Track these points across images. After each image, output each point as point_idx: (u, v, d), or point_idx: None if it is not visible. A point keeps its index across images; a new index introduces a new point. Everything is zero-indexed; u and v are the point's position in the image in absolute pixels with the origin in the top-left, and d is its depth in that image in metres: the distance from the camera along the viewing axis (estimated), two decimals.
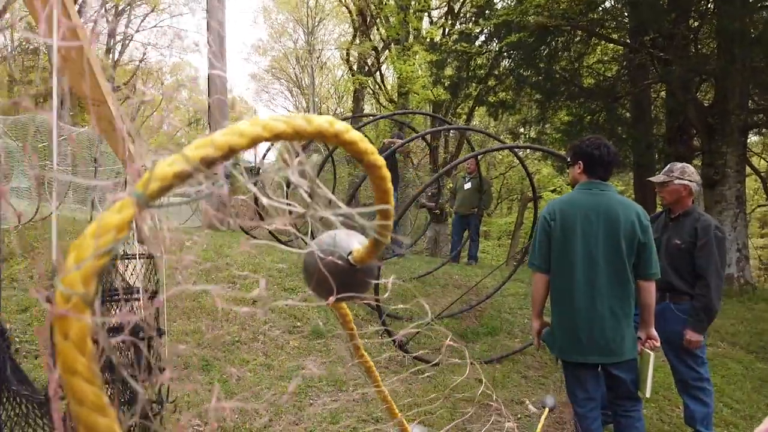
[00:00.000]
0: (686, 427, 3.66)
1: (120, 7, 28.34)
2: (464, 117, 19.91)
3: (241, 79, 74.64)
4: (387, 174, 0.46)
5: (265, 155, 9.23)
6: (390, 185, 0.47)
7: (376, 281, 0.60)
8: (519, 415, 3.92)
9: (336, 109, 34.64)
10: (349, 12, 23.04)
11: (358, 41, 22.56)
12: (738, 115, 8.45)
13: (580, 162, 3.06)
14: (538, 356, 5.02)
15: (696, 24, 9.32)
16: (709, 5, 9.15)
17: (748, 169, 12.26)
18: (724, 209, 8.57)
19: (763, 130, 11.18)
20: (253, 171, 9.14)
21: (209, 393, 3.65)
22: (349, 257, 0.55)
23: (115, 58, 30.19)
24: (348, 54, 24.26)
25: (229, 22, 62.87)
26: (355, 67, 23.92)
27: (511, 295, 6.63)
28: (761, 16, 8.29)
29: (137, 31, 30.18)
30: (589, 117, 10.95)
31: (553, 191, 18.07)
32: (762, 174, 13.26)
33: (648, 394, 2.95)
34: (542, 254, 3.02)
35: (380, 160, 0.45)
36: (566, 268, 2.91)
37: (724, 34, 8.06)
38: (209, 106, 9.78)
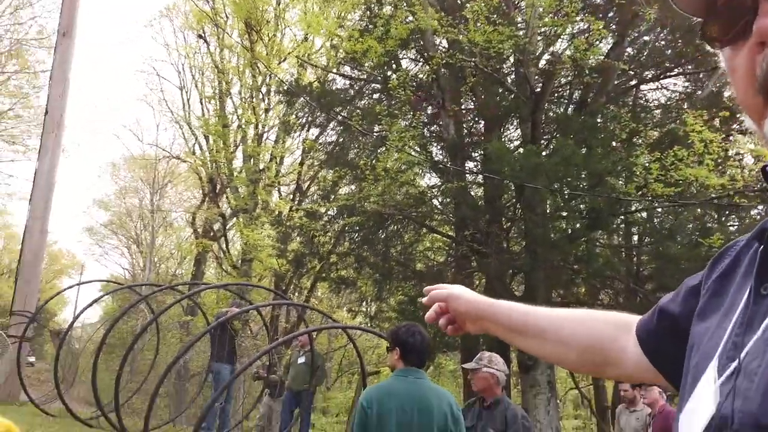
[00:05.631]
0: None
1: None
2: (306, 290, 20.10)
3: (74, 232, 69.56)
4: None
5: (83, 311, 8.37)
6: None
7: None
8: None
9: (176, 270, 33.17)
10: (200, 178, 23.34)
11: (206, 206, 22.62)
12: (543, 306, 9.55)
13: (397, 348, 3.17)
14: None
15: (507, 225, 10.80)
16: (517, 211, 10.75)
17: None
18: (537, 393, 9.22)
19: None
20: (61, 338, 8.16)
21: None
22: None
23: None
24: (194, 218, 24.06)
25: (71, 172, 59.99)
26: (200, 231, 23.63)
27: None
28: (558, 225, 9.87)
29: None
30: (421, 298, 11.65)
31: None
32: None
33: None
34: None
35: None
36: None
37: (529, 235, 9.40)
38: (19, 262, 8.85)
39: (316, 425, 19.25)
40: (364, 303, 15.52)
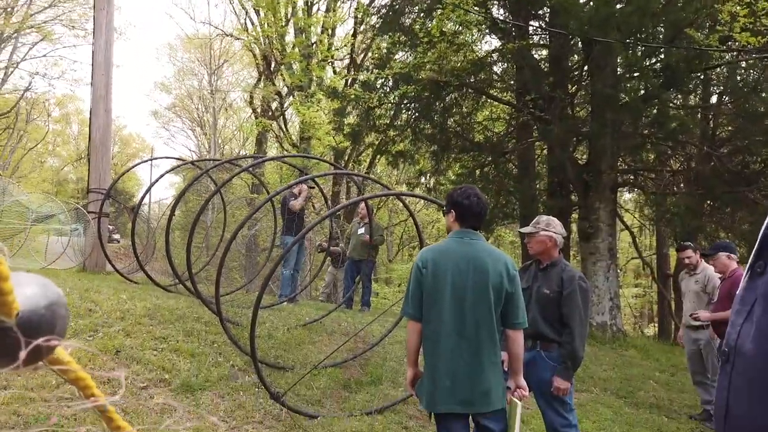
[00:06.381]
0: None
1: (5, 34, 26.48)
2: (366, 165, 20.22)
3: (141, 116, 71.88)
4: None
5: (153, 184, 8.81)
6: None
7: (52, 340, 0.48)
8: None
9: (239, 151, 34.04)
10: (254, 56, 23.02)
11: (262, 85, 22.51)
12: (608, 173, 9.19)
13: (452, 211, 3.10)
14: (420, 405, 4.96)
15: (573, 89, 10.15)
16: (583, 73, 10.03)
17: (620, 225, 13.31)
18: (597, 260, 9.16)
19: (634, 188, 12.23)
20: (135, 211, 8.63)
21: None
22: None
23: None
24: (252, 97, 24.10)
25: (131, 56, 60.70)
26: (259, 110, 23.77)
27: (398, 342, 6.59)
28: (631, 85, 9.17)
29: (23, 59, 28.23)
30: (479, 170, 11.46)
31: None
32: (632, 230, 14.45)
33: None
34: (415, 302, 2.99)
35: None
36: (435, 317, 2.90)
37: (597, 97, 8.81)
38: (89, 141, 9.19)
39: (380, 294, 20.34)
40: (423, 178, 15.51)
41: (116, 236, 27.57)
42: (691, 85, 9.15)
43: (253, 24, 21.79)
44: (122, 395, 4.08)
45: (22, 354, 0.43)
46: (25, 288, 0.49)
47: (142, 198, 8.39)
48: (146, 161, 13.49)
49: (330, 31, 19.97)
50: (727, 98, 10.29)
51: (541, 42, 11.12)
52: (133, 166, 21.00)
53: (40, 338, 0.45)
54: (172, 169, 7.77)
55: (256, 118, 23.02)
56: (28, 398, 3.69)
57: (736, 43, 7.51)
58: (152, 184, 7.80)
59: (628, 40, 7.56)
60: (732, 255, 5.25)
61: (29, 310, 0.48)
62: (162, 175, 7.63)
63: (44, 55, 27.89)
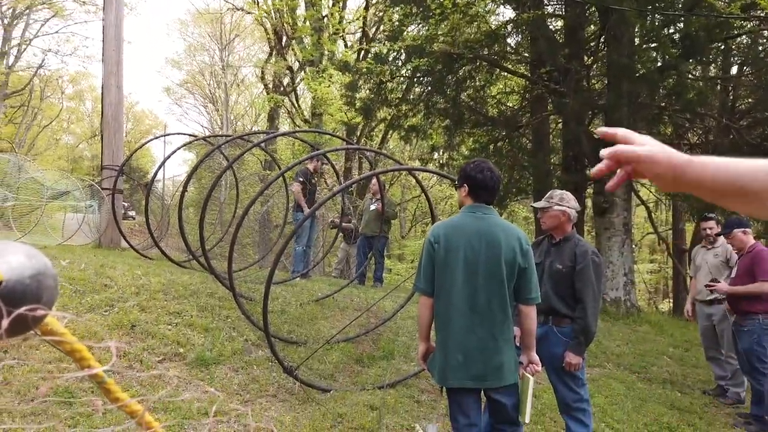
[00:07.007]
0: None
1: (17, 10, 26.47)
2: (378, 140, 20.11)
3: (153, 93, 71.87)
4: None
5: (166, 159, 8.86)
6: None
7: (40, 310, 0.47)
8: None
9: (252, 127, 33.99)
10: (265, 31, 22.81)
11: (273, 60, 22.33)
12: None
13: (465, 185, 3.06)
14: (432, 380, 4.99)
15: (589, 60, 9.94)
16: (599, 44, 9.81)
17: (636, 199, 13.14)
18: (612, 236, 9.08)
19: None
20: (148, 187, 8.66)
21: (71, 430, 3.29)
22: None
23: (10, 64, 28.05)
24: (263, 72, 23.95)
25: (142, 32, 60.50)
26: (270, 86, 23.65)
27: (410, 317, 6.60)
28: (648, 56, 8.94)
29: (36, 36, 28.24)
30: (492, 145, 11.34)
31: None
32: (648, 205, 14.28)
33: (527, 419, 2.95)
34: (427, 277, 2.98)
35: None
36: (447, 292, 2.88)
37: (613, 68, 8.61)
38: (102, 118, 9.20)
39: (392, 270, 20.40)
40: (435, 153, 15.39)
41: (131, 213, 27.88)
42: (710, 56, 8.91)
43: None
44: (137, 369, 4.14)
45: (4, 323, 0.41)
46: (10, 257, 0.47)
47: (155, 174, 8.42)
48: (158, 137, 13.55)
49: (341, 4, 19.70)
50: (747, 69, 10.03)
51: (557, 12, 10.86)
52: (146, 143, 21.13)
53: (23, 307, 0.43)
54: (184, 146, 7.77)
55: (268, 93, 22.90)
56: (47, 371, 3.76)
57: (759, 11, 7.27)
58: (164, 161, 7.82)
59: (646, 8, 7.34)
60: (747, 230, 5.16)
61: (14, 280, 0.46)
62: (174, 152, 7.63)
63: (56, 32, 27.99)
